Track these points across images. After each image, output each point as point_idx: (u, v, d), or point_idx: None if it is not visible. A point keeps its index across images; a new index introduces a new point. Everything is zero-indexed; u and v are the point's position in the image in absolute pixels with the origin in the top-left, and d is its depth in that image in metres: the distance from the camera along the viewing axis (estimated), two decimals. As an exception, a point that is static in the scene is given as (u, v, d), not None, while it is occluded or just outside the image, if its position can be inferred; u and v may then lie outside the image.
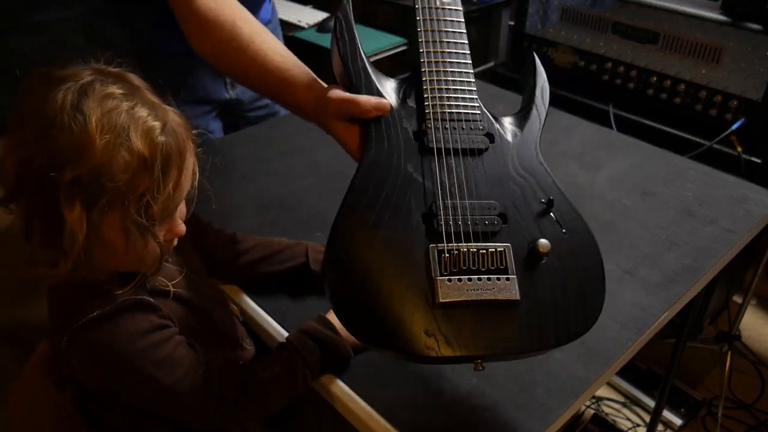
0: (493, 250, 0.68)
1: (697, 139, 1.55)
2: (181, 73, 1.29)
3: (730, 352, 1.75)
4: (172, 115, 0.68)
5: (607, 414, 1.77)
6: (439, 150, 0.73)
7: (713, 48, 1.49)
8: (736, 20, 1.44)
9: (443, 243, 0.67)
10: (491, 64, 2.44)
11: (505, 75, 1.96)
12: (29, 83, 0.63)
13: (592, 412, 1.77)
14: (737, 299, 1.84)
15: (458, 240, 0.68)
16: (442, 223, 0.68)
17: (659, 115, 1.63)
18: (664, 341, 1.56)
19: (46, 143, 0.60)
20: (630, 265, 1.00)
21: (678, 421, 1.73)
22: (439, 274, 0.66)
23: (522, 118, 0.81)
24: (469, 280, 0.66)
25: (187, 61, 1.29)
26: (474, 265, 0.67)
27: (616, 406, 1.80)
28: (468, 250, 0.67)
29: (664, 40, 1.56)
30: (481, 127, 0.77)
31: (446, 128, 0.75)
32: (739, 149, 1.50)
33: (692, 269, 0.99)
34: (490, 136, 0.77)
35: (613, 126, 1.66)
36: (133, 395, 0.71)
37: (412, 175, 0.72)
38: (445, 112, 0.75)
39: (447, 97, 0.76)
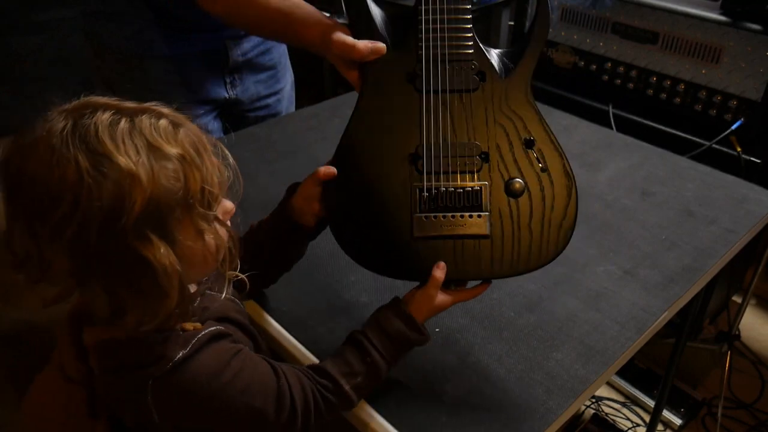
0: (470, 189, 0.75)
1: (697, 139, 1.55)
2: (180, 74, 1.29)
3: (729, 352, 1.75)
4: (160, 108, 0.65)
5: (607, 414, 1.77)
6: (428, 92, 0.76)
7: (713, 48, 1.49)
8: (736, 20, 1.44)
9: (423, 183, 0.75)
10: (491, 64, 2.43)
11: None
12: (8, 170, 0.57)
13: (592, 411, 1.77)
14: (737, 299, 1.84)
15: (438, 180, 0.76)
16: (425, 164, 0.75)
17: (659, 115, 1.63)
18: (664, 341, 1.56)
19: (88, 208, 0.55)
20: (630, 265, 1.00)
21: (678, 421, 1.73)
22: (417, 211, 0.76)
23: (517, 54, 0.81)
24: (444, 217, 0.76)
25: (187, 62, 1.29)
26: (450, 203, 0.76)
27: (616, 405, 1.80)
28: (446, 189, 0.76)
29: (663, 40, 1.56)
30: (473, 66, 0.77)
31: (437, 69, 0.76)
32: (739, 149, 1.50)
33: (692, 269, 1.00)
34: (481, 75, 0.77)
35: (613, 126, 1.66)
36: (227, 426, 0.68)
37: (402, 117, 0.77)
38: (437, 54, 0.76)
39: (441, 36, 0.77)
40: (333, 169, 0.79)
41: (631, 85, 1.67)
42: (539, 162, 0.76)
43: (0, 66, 1.93)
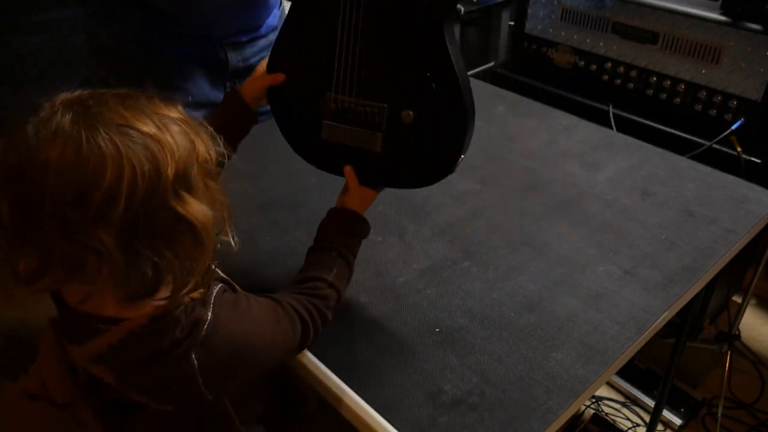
0: (371, 108, 0.82)
1: (697, 139, 1.55)
2: (180, 77, 1.29)
3: (729, 352, 1.75)
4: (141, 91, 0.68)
5: (606, 414, 1.77)
6: (350, 11, 0.80)
7: (713, 48, 1.49)
8: (736, 20, 1.44)
9: (334, 94, 0.83)
10: (491, 64, 2.43)
11: (505, 75, 1.96)
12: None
13: (592, 411, 1.77)
14: (737, 299, 1.84)
15: (349, 93, 0.83)
16: (334, 78, 0.83)
17: (659, 115, 1.63)
18: (664, 341, 1.56)
19: (132, 179, 0.57)
20: (630, 265, 1.00)
21: (678, 421, 1.73)
22: (326, 118, 0.85)
23: None
24: (347, 128, 0.84)
25: (186, 65, 1.29)
26: (354, 117, 0.83)
27: (616, 405, 1.80)
28: (350, 104, 0.83)
29: (664, 40, 1.56)
30: None
31: None
32: (739, 149, 1.50)
33: (692, 269, 1.00)
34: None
35: (613, 126, 1.66)
36: (262, 366, 0.74)
37: (328, 31, 0.81)
38: None
39: None
40: (280, 76, 0.87)
41: (631, 85, 1.67)
42: (438, 95, 0.79)
43: (0, 66, 1.93)
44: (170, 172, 0.59)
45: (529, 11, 1.83)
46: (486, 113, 1.44)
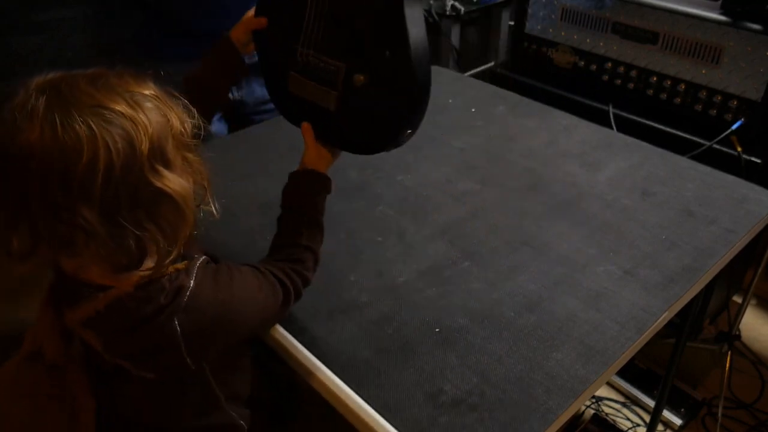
0: (330, 66, 0.85)
1: (697, 139, 1.55)
2: (182, 76, 1.29)
3: (730, 352, 1.75)
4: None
5: (607, 414, 1.77)
6: None
7: (713, 48, 1.48)
8: (736, 20, 1.44)
9: (301, 47, 0.87)
10: (491, 64, 2.43)
11: (505, 75, 1.96)
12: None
13: (592, 411, 1.77)
14: (737, 299, 1.84)
15: (314, 48, 0.86)
16: (303, 33, 0.86)
17: (659, 115, 1.63)
18: (664, 341, 1.56)
19: (108, 156, 0.60)
20: (630, 265, 1.00)
21: (678, 421, 1.73)
22: (293, 69, 0.89)
23: None
24: (308, 82, 0.88)
25: (189, 64, 1.29)
26: (315, 72, 0.87)
27: (616, 405, 1.80)
28: (314, 59, 0.86)
29: (664, 40, 1.56)
30: None
31: None
32: (739, 149, 1.50)
33: (692, 269, 1.00)
34: None
35: (613, 126, 1.66)
36: (244, 332, 0.77)
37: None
38: None
39: None
40: (263, 21, 0.91)
41: (631, 85, 1.67)
42: (390, 64, 0.81)
43: (0, 66, 1.93)
44: (144, 147, 0.62)
45: (529, 11, 1.83)
46: (486, 113, 1.44)
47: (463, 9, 2.22)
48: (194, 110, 0.72)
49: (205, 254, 0.77)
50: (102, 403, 0.77)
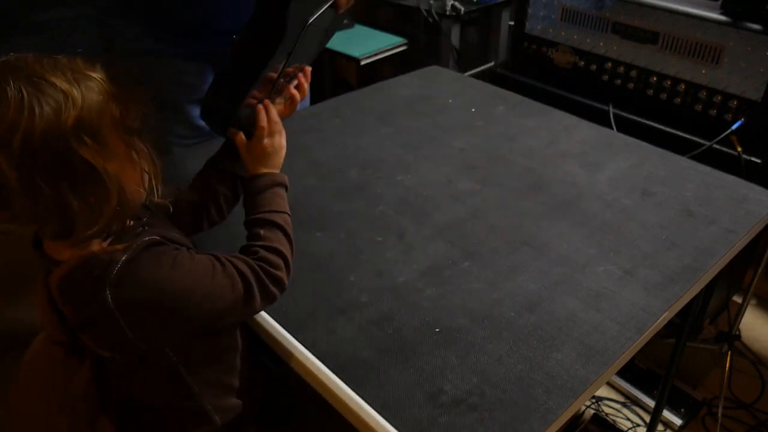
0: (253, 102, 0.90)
1: (697, 139, 1.55)
2: (186, 73, 1.29)
3: (730, 352, 1.75)
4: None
5: (607, 414, 1.77)
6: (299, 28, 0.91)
7: (713, 48, 1.48)
8: (736, 20, 1.44)
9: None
10: (491, 64, 2.44)
11: (505, 75, 1.96)
12: None
13: (592, 412, 1.77)
14: (737, 299, 1.84)
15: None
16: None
17: (659, 115, 1.63)
18: (664, 341, 1.56)
19: (31, 117, 0.64)
20: (630, 265, 1.00)
21: (678, 421, 1.73)
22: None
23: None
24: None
25: (194, 62, 1.29)
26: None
27: (616, 406, 1.80)
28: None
29: (664, 40, 1.56)
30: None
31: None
32: (739, 149, 1.50)
33: (692, 269, 0.99)
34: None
35: (613, 126, 1.66)
36: (189, 316, 0.76)
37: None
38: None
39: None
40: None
41: (631, 85, 1.67)
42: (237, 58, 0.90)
43: None
44: (69, 118, 0.65)
45: (529, 11, 1.83)
46: (486, 113, 1.44)
47: (463, 9, 2.22)
48: (150, 103, 0.75)
49: (173, 240, 0.79)
50: (99, 377, 0.82)
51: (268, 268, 0.81)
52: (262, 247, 0.83)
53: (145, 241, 0.75)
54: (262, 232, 0.84)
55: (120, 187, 0.70)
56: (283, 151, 0.92)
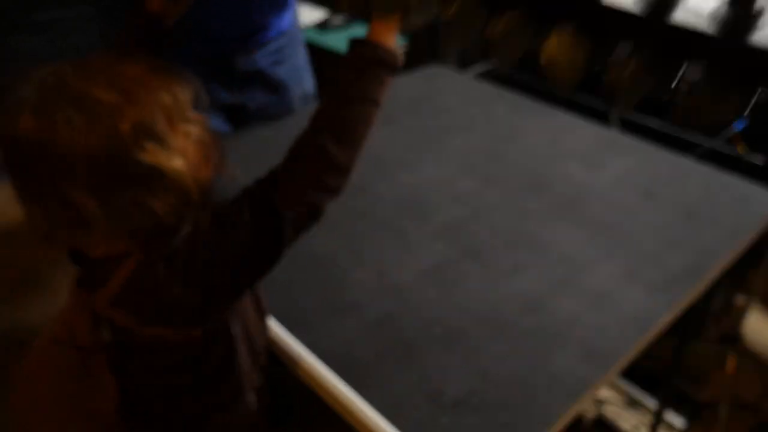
0: None
1: (699, 141, 1.54)
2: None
3: (733, 353, 1.74)
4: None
5: (609, 415, 1.76)
6: None
7: (715, 48, 1.48)
8: (738, 20, 1.44)
9: None
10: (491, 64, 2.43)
11: (506, 75, 1.95)
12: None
13: (594, 413, 1.76)
14: (740, 300, 1.83)
15: None
16: None
17: (660, 115, 1.62)
18: (667, 342, 1.55)
19: (86, 143, 0.62)
20: (632, 265, 1.00)
21: (680, 423, 1.72)
22: None
23: None
24: None
25: (193, 66, 1.29)
26: None
27: (618, 407, 1.79)
28: None
29: (665, 40, 1.56)
30: None
31: None
32: (742, 150, 1.49)
33: (694, 270, 0.99)
34: None
35: (614, 126, 1.65)
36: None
37: None
38: None
39: None
40: None
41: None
42: None
43: (0, 66, 1.93)
44: (125, 128, 0.63)
45: (531, 11, 1.82)
46: (486, 113, 1.44)
47: (464, 9, 2.22)
48: (193, 82, 0.74)
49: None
50: (122, 381, 0.79)
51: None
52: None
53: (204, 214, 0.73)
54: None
55: (195, 178, 0.69)
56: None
